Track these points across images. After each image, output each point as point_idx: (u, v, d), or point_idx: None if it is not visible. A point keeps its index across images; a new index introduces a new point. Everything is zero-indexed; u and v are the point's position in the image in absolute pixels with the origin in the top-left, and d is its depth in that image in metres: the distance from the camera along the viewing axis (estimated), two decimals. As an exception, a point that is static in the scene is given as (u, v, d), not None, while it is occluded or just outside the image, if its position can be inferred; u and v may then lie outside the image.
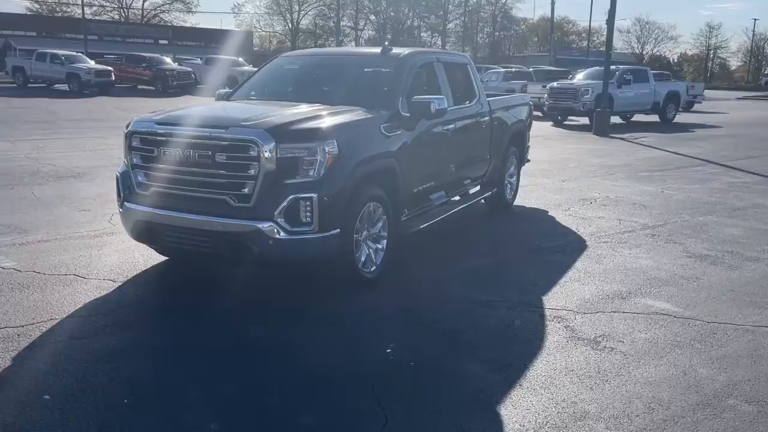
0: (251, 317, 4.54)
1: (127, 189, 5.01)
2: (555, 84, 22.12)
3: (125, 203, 5.01)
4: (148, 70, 31.70)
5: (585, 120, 21.07)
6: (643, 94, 21.76)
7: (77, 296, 4.75)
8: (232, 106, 5.81)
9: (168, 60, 33.94)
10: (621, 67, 22.76)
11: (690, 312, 4.84)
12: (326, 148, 4.56)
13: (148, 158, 4.85)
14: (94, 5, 70.86)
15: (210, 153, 4.57)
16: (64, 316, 4.40)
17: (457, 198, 7.07)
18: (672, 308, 4.91)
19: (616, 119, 21.49)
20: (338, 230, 4.66)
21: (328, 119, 4.89)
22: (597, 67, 22.28)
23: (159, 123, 4.87)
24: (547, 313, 4.73)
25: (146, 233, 4.97)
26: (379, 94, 5.67)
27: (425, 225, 6.02)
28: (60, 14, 68.17)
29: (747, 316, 4.78)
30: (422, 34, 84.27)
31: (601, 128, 18.32)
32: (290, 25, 79.07)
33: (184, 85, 31.76)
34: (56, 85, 30.17)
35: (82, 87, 28.42)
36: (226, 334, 4.23)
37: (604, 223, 7.66)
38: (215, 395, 3.43)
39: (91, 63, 30.19)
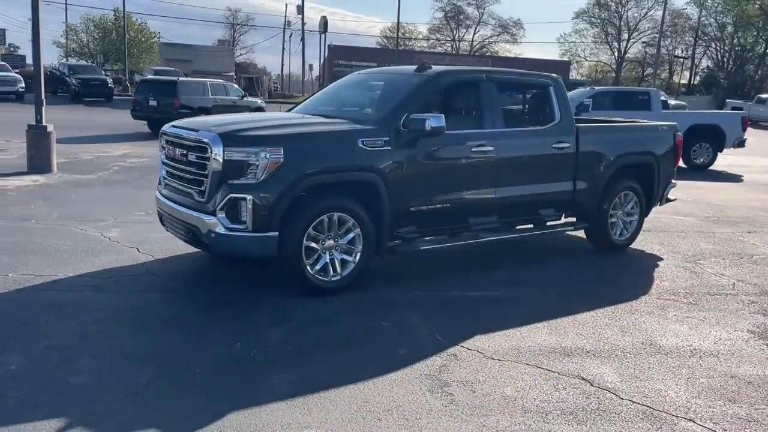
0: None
1: (158, 180, 6.00)
2: None
3: (156, 192, 5.99)
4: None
5: None
6: None
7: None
8: (238, 116, 6.46)
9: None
10: None
11: None
12: (268, 155, 4.90)
13: (164, 155, 5.76)
14: (431, 39, 77.90)
15: (186, 152, 5.28)
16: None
17: (523, 226, 6.64)
18: None
19: None
20: (276, 233, 4.94)
21: (285, 129, 5.22)
22: None
23: (172, 125, 5.73)
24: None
25: (160, 218, 5.87)
26: (378, 110, 5.75)
27: (437, 246, 5.89)
28: (402, 47, 76.43)
29: None
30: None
31: None
32: (616, 54, 76.24)
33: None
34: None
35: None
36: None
37: (713, 280, 6.37)
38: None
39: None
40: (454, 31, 76.62)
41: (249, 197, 4.87)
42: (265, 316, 4.79)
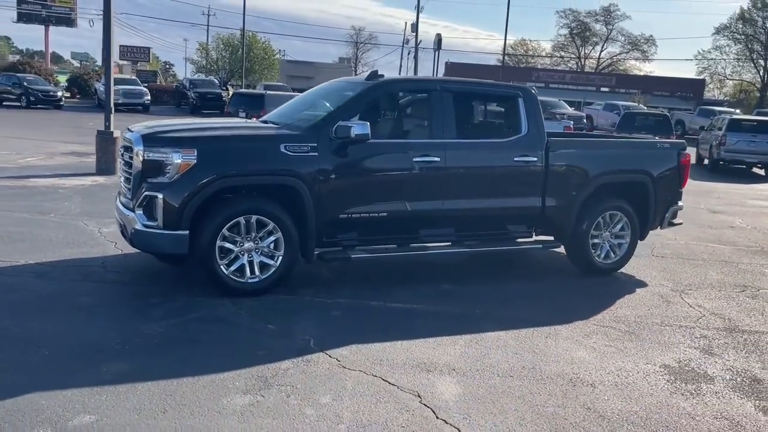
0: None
1: None
2: None
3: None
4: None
5: None
6: None
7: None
8: (183, 120, 6.71)
9: (564, 104, 34.70)
10: None
11: None
12: (181, 156, 5.13)
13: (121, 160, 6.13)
14: (555, 56, 76.04)
15: (123, 153, 5.65)
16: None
17: (483, 240, 6.46)
18: None
19: None
20: (186, 232, 5.15)
21: (205, 132, 5.42)
22: None
23: (128, 128, 6.10)
24: (308, 353, 4.33)
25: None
26: (314, 116, 5.81)
27: (372, 255, 5.88)
28: (524, 65, 75.25)
29: None
30: None
31: None
32: (761, 73, 70.41)
33: (580, 128, 32.13)
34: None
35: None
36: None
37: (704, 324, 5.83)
38: None
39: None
40: (580, 49, 74.22)
41: (160, 195, 5.11)
42: (165, 311, 4.98)
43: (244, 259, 5.37)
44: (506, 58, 75.26)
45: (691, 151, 9.40)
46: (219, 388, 3.72)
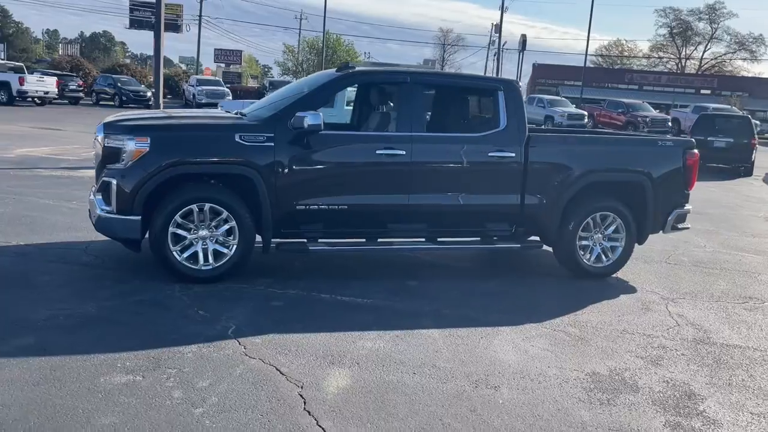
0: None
1: None
2: None
3: None
4: (622, 115, 31.78)
5: None
6: None
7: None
8: (151, 111, 6.80)
9: (647, 107, 33.14)
10: None
11: None
12: (135, 143, 5.29)
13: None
14: (652, 57, 72.73)
15: (94, 141, 5.89)
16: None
17: (458, 238, 6.32)
18: None
19: None
20: (138, 217, 5.31)
21: (161, 121, 5.55)
22: None
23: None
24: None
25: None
26: (275, 107, 5.82)
27: (332, 249, 5.85)
28: (618, 66, 72.42)
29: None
30: None
31: None
32: None
33: (656, 133, 30.65)
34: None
35: (555, 125, 30.67)
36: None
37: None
38: None
39: (571, 108, 32.10)
40: (680, 49, 70.54)
41: (114, 181, 5.29)
42: (112, 292, 5.14)
43: (199, 247, 5.46)
44: (599, 59, 72.75)
45: None
46: (105, 367, 3.80)
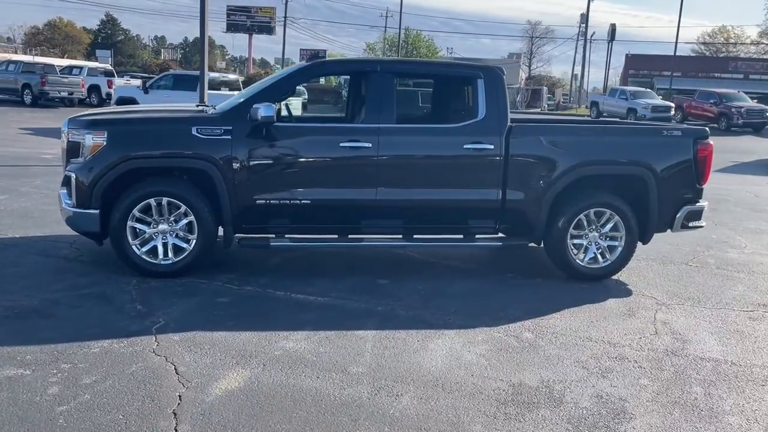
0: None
1: None
2: None
3: None
4: (714, 107, 29.69)
5: None
6: None
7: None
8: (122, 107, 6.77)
9: (743, 97, 30.74)
10: None
11: None
12: (92, 137, 5.34)
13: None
14: (762, 43, 67.80)
15: (65, 137, 6.00)
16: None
17: (436, 234, 6.00)
18: None
19: None
20: (96, 211, 5.35)
21: (119, 115, 5.55)
22: None
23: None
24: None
25: None
26: (236, 98, 5.71)
27: (295, 245, 5.70)
28: (723, 54, 68.00)
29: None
30: None
31: None
32: None
33: (754, 124, 28.46)
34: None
35: (637, 119, 29.08)
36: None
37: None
38: None
39: (656, 99, 30.37)
40: (793, 34, 65.25)
41: (74, 175, 5.35)
42: (66, 284, 5.19)
43: (158, 241, 5.44)
44: (702, 47, 68.59)
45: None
46: (3, 360, 3.80)
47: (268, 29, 68.89)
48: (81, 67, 30.83)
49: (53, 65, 29.41)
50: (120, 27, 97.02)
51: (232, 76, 21.40)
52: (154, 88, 18.84)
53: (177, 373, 3.75)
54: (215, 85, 18.25)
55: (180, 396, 3.48)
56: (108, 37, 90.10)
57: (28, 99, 25.93)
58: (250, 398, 3.51)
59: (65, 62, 37.67)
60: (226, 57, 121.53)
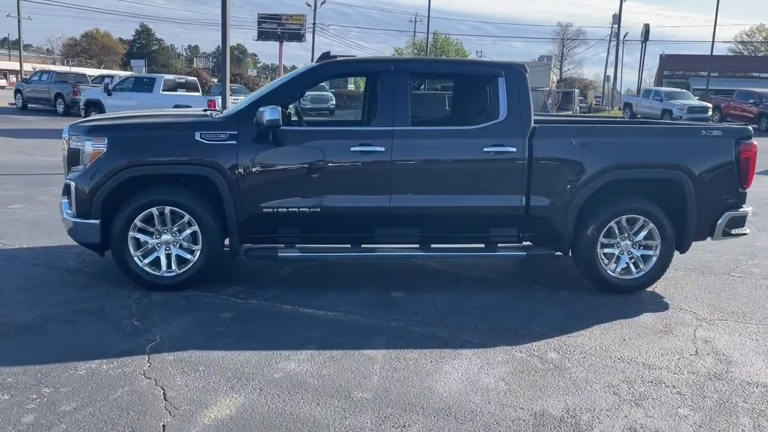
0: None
1: None
2: None
3: None
4: (754, 107, 28.67)
5: None
6: None
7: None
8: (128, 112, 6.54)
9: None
10: None
11: None
12: (92, 144, 5.09)
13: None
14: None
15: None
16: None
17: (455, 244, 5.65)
18: None
19: None
20: (97, 221, 5.10)
21: (120, 121, 5.30)
22: None
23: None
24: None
25: None
26: (243, 102, 5.43)
27: (303, 255, 5.38)
28: (763, 53, 66.24)
29: None
30: None
31: None
32: None
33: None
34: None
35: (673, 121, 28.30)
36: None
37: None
38: None
39: (692, 100, 29.46)
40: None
41: (73, 184, 5.12)
42: (66, 298, 4.96)
43: (161, 252, 5.18)
44: (740, 46, 66.93)
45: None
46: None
47: (297, 36, 69.05)
48: (113, 77, 31.18)
49: (85, 75, 29.75)
50: (154, 37, 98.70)
51: (190, 78, 22.65)
52: (117, 90, 20.74)
53: (165, 399, 3.45)
54: (172, 86, 20.65)
55: (164, 426, 3.17)
56: (143, 47, 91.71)
57: (60, 108, 26.21)
58: (241, 429, 3.18)
59: (97, 72, 38.17)
60: (258, 65, 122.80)
